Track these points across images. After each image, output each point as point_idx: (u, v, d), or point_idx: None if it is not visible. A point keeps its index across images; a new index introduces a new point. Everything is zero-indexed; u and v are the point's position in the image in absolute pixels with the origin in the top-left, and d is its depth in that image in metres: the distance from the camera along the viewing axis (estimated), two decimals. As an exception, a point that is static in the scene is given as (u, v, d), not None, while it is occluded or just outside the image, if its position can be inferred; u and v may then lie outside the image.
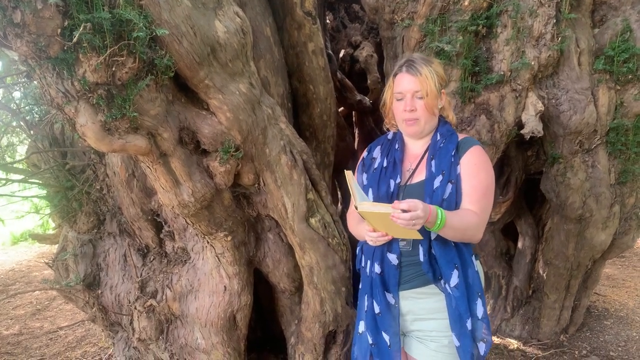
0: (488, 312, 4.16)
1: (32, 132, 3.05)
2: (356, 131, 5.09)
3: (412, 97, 2.09)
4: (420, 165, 2.14)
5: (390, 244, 2.08)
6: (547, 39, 3.05)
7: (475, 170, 2.06)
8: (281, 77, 3.14)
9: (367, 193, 2.18)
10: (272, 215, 2.92)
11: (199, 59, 2.33)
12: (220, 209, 2.73)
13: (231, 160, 2.59)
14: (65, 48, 1.99)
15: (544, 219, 3.93)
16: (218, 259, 2.93)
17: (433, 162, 2.09)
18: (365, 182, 2.23)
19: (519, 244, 4.01)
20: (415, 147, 2.22)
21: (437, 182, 2.04)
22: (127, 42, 2.06)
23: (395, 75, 2.14)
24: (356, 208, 1.86)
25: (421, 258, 2.02)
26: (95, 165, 3.09)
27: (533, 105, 3.11)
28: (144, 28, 2.05)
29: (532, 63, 3.03)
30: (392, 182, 2.13)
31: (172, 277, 3.05)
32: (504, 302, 4.08)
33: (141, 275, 3.08)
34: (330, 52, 4.45)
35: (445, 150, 2.10)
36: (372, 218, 1.92)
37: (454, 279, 1.97)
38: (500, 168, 3.72)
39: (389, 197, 2.10)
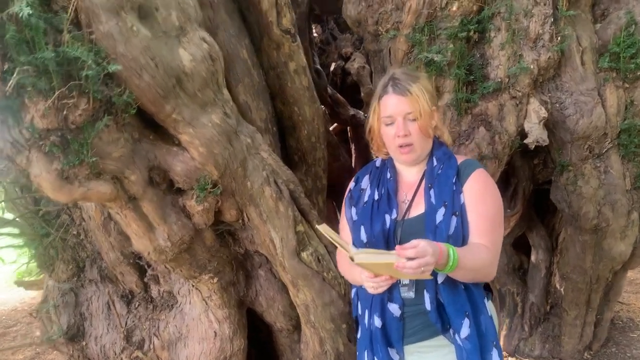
0: (504, 332, 3.91)
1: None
2: (352, 147, 4.86)
3: (403, 120, 1.85)
4: (418, 195, 1.90)
5: (391, 292, 1.84)
6: (546, 40, 2.81)
7: (482, 198, 1.82)
8: (263, 101, 2.93)
9: (359, 231, 1.94)
10: (260, 251, 2.70)
11: (163, 92, 2.12)
12: (202, 250, 2.52)
13: (209, 198, 2.38)
14: (7, 94, 1.79)
15: (557, 229, 3.67)
16: (205, 302, 2.71)
17: (432, 192, 1.85)
18: (355, 218, 1.99)
19: (532, 258, 3.76)
20: (410, 175, 1.98)
21: (439, 216, 1.79)
22: (77, 82, 1.86)
23: (380, 97, 1.91)
24: (352, 260, 1.61)
25: (427, 306, 1.77)
26: (70, 209, 2.89)
27: (535, 112, 2.87)
28: (94, 65, 1.84)
29: (531, 67, 2.79)
30: (387, 218, 1.88)
31: (159, 324, 2.84)
32: (520, 320, 3.82)
33: (126, 324, 2.87)
34: (318, 67, 4.25)
35: (445, 177, 1.86)
36: (372, 267, 1.68)
37: (465, 329, 1.72)
38: (506, 180, 3.48)
39: (385, 235, 1.86)
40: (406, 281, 1.82)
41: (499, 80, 2.81)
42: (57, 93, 1.80)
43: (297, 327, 2.95)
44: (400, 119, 1.84)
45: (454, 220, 1.77)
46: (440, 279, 1.76)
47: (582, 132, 2.96)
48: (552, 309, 3.73)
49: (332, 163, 3.82)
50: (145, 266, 2.88)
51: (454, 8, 2.72)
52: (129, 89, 2.05)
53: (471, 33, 2.76)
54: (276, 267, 2.68)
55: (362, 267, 1.66)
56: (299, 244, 2.60)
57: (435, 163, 1.91)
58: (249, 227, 2.61)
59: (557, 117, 3.00)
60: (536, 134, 2.86)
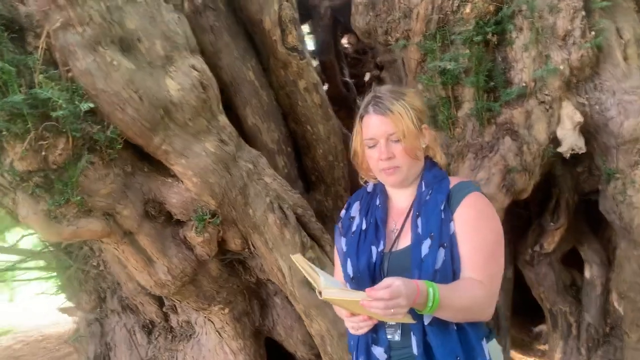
0: (559, 356, 3.56)
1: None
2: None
3: (386, 142, 1.67)
4: (407, 224, 1.71)
5: (376, 332, 1.66)
6: (577, 36, 2.52)
7: (475, 226, 1.60)
8: (274, 122, 2.84)
9: (346, 264, 1.78)
10: (271, 279, 2.59)
11: (149, 124, 2.07)
12: (208, 282, 2.45)
13: (209, 228, 2.30)
14: (-16, 139, 1.80)
15: (613, 241, 3.30)
16: (219, 334, 2.64)
17: (419, 221, 1.66)
18: (344, 249, 1.83)
19: (586, 274, 3.40)
20: (401, 200, 1.79)
21: (425, 248, 1.60)
22: (53, 123, 1.84)
23: (361, 117, 1.74)
24: (319, 294, 1.47)
25: (415, 350, 1.58)
26: (90, 240, 2.92)
27: (569, 117, 2.57)
28: (67, 104, 1.81)
29: (561, 67, 2.51)
30: (373, 250, 1.70)
31: (178, 355, 2.80)
32: (576, 342, 3.46)
33: (147, 354, 2.85)
34: (347, 79, 4.10)
35: (433, 204, 1.66)
36: (343, 305, 1.53)
37: None
38: (547, 190, 3.17)
39: (370, 269, 1.68)
40: (392, 322, 1.64)
41: (524, 84, 2.55)
42: (31, 135, 1.79)
43: (319, 356, 2.81)
44: (382, 140, 1.66)
45: (441, 253, 1.58)
46: (426, 320, 1.56)
47: (629, 135, 2.63)
48: (612, 330, 3.35)
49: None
50: (163, 296, 2.85)
51: (467, 10, 2.50)
52: (113, 124, 2.02)
53: (489, 36, 2.52)
54: (288, 297, 2.56)
55: (333, 303, 1.51)
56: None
57: (423, 188, 1.71)
58: (257, 256, 2.51)
59: (598, 120, 2.68)
60: (571, 141, 2.57)
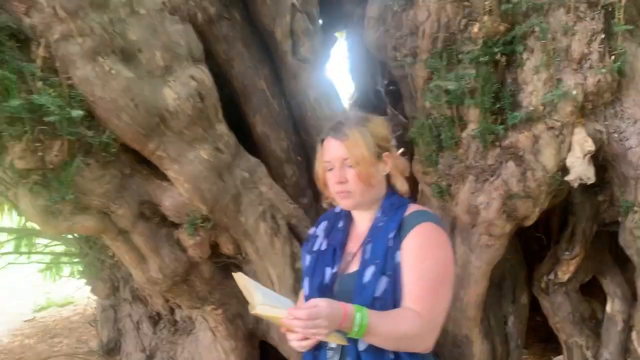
0: (572, 392, 3.39)
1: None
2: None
3: (341, 166, 1.69)
4: (360, 249, 1.73)
5: (319, 352, 1.69)
6: (594, 60, 2.38)
7: (420, 257, 1.60)
8: (284, 130, 2.89)
9: (304, 282, 1.82)
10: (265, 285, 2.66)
11: (144, 130, 2.19)
12: (200, 282, 2.55)
13: (201, 232, 2.41)
14: (-12, 139, 1.98)
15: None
16: (213, 332, 2.74)
17: (368, 247, 1.67)
18: (305, 267, 1.87)
19: (607, 308, 3.20)
20: (362, 224, 1.80)
21: (367, 275, 1.61)
22: (46, 127, 1.99)
23: (322, 140, 1.77)
24: (251, 309, 1.53)
25: None
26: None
27: (580, 145, 2.44)
28: (59, 111, 1.95)
29: (574, 92, 2.39)
30: (327, 271, 1.73)
31: (177, 348, 2.93)
32: (593, 379, 3.29)
33: (150, 344, 3.01)
34: (379, 88, 4.07)
35: (384, 232, 1.67)
36: (275, 321, 1.58)
37: None
38: (564, 218, 3.02)
39: (321, 290, 1.72)
40: (333, 345, 1.66)
41: (532, 108, 2.45)
42: (26, 137, 1.94)
43: (311, 364, 2.85)
44: (337, 164, 1.69)
45: (383, 282, 1.58)
46: (361, 346, 1.57)
47: (650, 166, 2.47)
48: (632, 370, 3.15)
49: None
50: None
51: (475, 30, 2.43)
52: (109, 129, 2.15)
53: (497, 56, 2.44)
54: (278, 303, 2.61)
55: (265, 319, 1.56)
56: (298, 282, 2.51)
57: (379, 215, 1.72)
58: (250, 261, 2.59)
59: (617, 148, 2.53)
60: (579, 170, 2.44)
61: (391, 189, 1.78)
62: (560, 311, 3.33)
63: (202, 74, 2.37)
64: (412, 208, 1.73)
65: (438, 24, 2.47)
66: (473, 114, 2.54)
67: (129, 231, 2.34)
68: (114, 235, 2.33)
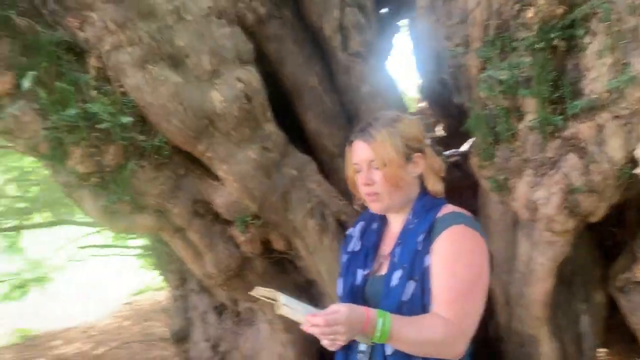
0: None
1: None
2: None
3: (368, 168, 1.68)
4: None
5: (351, 353, 1.69)
6: (668, 40, 2.17)
7: (450, 261, 1.55)
8: (337, 126, 2.88)
9: (338, 283, 1.82)
10: (317, 280, 2.69)
11: (193, 133, 2.28)
12: (254, 277, 2.63)
13: (251, 229, 2.47)
14: (53, 146, 2.15)
15: None
16: (270, 325, 2.82)
17: (397, 251, 1.65)
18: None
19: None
20: (396, 226, 1.77)
21: (395, 279, 1.59)
22: (104, 132, 2.13)
23: (350, 142, 1.75)
24: (275, 309, 1.55)
25: None
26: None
27: (651, 134, 2.24)
28: (108, 118, 2.08)
29: (644, 76, 2.19)
30: (359, 272, 1.73)
31: (239, 338, 3.04)
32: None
33: (215, 334, 3.15)
34: (444, 76, 3.93)
35: (413, 234, 1.63)
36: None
37: None
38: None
39: (352, 292, 1.72)
40: (363, 347, 1.65)
41: (595, 96, 2.26)
42: (83, 143, 2.09)
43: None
44: (365, 166, 1.67)
45: (410, 286, 1.55)
46: (388, 350, 1.56)
47: None
48: None
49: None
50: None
51: (530, 14, 2.27)
52: (160, 133, 2.26)
53: (555, 41, 2.28)
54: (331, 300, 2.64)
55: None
56: (348, 278, 2.52)
57: (410, 217, 1.68)
58: (302, 257, 2.63)
59: (699, 138, 2.29)
60: (649, 162, 2.24)
61: (425, 190, 1.73)
62: (638, 311, 3.08)
63: (249, 75, 2.41)
64: (446, 209, 1.67)
65: (489, 11, 2.35)
66: (530, 104, 2.40)
67: (184, 229, 2.46)
68: (171, 233, 2.46)
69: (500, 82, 2.38)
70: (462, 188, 3.98)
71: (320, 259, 2.50)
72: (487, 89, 2.47)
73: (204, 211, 2.49)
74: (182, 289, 3.37)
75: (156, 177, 2.32)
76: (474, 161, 2.66)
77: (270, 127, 2.50)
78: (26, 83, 1.92)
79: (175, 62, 2.27)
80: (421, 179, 1.72)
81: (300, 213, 2.48)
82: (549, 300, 2.77)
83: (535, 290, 2.74)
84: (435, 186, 1.72)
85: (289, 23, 2.79)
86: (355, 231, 1.91)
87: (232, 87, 2.34)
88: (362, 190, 1.70)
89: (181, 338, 3.36)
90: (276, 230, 2.52)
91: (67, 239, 6.93)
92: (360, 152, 1.68)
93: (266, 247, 2.60)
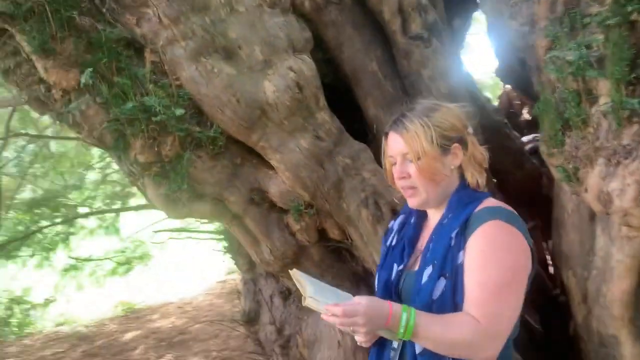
0: None
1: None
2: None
3: (402, 161, 1.61)
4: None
5: (381, 354, 1.65)
6: None
7: (484, 258, 1.45)
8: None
9: (375, 276, 1.79)
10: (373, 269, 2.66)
11: (247, 123, 2.33)
12: (310, 265, 2.65)
13: (305, 218, 2.49)
14: (117, 137, 2.28)
15: None
16: (328, 312, 2.83)
17: (430, 246, 1.58)
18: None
19: None
20: (434, 219, 1.68)
21: (425, 276, 1.53)
22: (161, 124, 2.23)
23: (386, 134, 1.69)
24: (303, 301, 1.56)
25: None
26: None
27: None
28: (162, 110, 2.16)
29: None
30: (394, 267, 1.68)
31: (302, 324, 3.09)
32: None
33: (280, 318, 3.22)
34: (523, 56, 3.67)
35: (447, 230, 1.55)
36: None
37: None
38: None
39: (386, 287, 1.67)
40: (395, 344, 1.61)
41: (679, 75, 2.02)
42: (142, 134, 2.21)
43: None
44: (399, 159, 1.60)
45: (441, 283, 1.47)
46: (418, 349, 1.50)
47: None
48: None
49: (514, 171, 3.32)
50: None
51: (603, -13, 2.07)
52: (215, 124, 2.33)
53: (633, 16, 2.05)
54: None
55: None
56: (404, 269, 2.46)
57: (445, 211, 1.59)
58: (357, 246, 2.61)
59: None
60: None
61: (465, 182, 1.64)
62: None
63: (302, 64, 2.41)
64: (486, 204, 1.56)
65: (555, -14, 2.16)
66: (603, 87, 2.18)
67: (241, 216, 2.52)
68: (229, 220, 2.54)
69: (569, 62, 2.18)
70: (540, 176, 3.75)
71: (375, 249, 2.45)
72: (556, 70, 2.29)
73: (260, 199, 2.53)
74: (251, 272, 3.48)
75: (213, 167, 2.40)
76: (543, 148, 2.48)
77: (324, 116, 2.48)
78: (84, 79, 2.05)
79: (229, 53, 2.32)
80: (461, 170, 1.63)
81: (354, 202, 2.45)
82: (630, 299, 2.54)
83: (614, 288, 2.53)
84: (473, 178, 1.61)
85: (347, 9, 2.74)
86: (395, 224, 1.86)
87: (284, 77, 2.35)
88: (398, 184, 1.64)
89: (251, 319, 3.48)
90: (331, 219, 2.51)
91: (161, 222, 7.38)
92: (394, 145, 1.61)
93: (323, 235, 2.60)
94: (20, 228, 6.16)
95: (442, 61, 2.74)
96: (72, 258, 8.04)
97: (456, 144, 1.58)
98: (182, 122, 2.25)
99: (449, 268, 1.48)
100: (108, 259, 8.39)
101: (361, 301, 1.38)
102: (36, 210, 5.99)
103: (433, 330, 1.39)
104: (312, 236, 2.54)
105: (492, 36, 3.93)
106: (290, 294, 3.29)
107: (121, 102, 2.20)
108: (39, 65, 2.11)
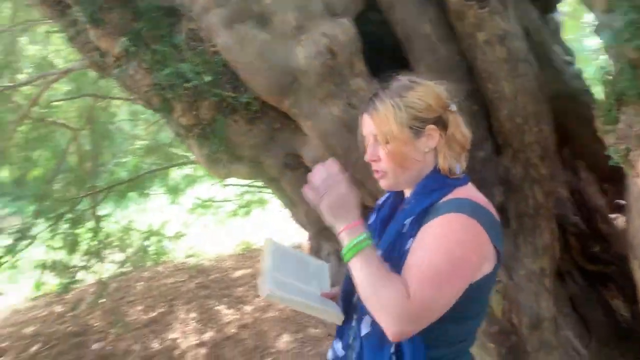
0: None
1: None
2: None
3: (373, 142, 1.56)
4: None
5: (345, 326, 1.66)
6: None
7: (432, 244, 1.33)
8: (455, 78, 2.64)
9: None
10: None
11: (279, 90, 2.37)
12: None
13: (336, 186, 2.50)
14: (162, 100, 2.47)
15: None
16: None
17: (387, 230, 1.55)
18: None
19: None
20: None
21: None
22: (197, 89, 2.36)
23: (362, 113, 1.63)
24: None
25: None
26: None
27: None
28: (192, 77, 2.29)
29: None
30: None
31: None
32: None
33: (337, 277, 3.30)
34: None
35: (402, 216, 1.50)
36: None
37: None
38: None
39: None
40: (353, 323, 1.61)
41: None
42: (180, 99, 2.37)
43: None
44: (371, 139, 1.56)
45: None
46: (363, 330, 1.49)
47: None
48: None
49: (592, 144, 2.95)
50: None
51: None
52: (250, 89, 2.41)
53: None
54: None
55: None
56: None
57: (409, 197, 1.53)
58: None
59: None
60: None
61: (434, 167, 1.54)
62: None
63: (337, 29, 2.36)
64: (455, 194, 1.45)
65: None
66: None
67: (278, 179, 2.61)
68: (267, 181, 2.65)
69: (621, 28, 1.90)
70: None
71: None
72: (609, 37, 2.00)
73: (296, 164, 2.59)
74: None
75: (250, 130, 2.50)
76: (598, 125, 2.20)
77: (359, 82, 2.43)
78: (121, 47, 2.24)
79: (263, 20, 2.35)
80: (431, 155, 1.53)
81: (385, 172, 2.41)
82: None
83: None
84: (445, 162, 1.51)
85: (400, -34, 2.60)
86: (379, 202, 1.83)
87: (317, 43, 2.33)
88: (371, 167, 1.60)
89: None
90: (362, 187, 2.50)
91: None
92: (365, 126, 1.57)
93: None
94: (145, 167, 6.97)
95: (498, 23, 2.51)
96: (198, 198, 8.84)
97: (431, 125, 1.49)
98: (216, 87, 2.37)
99: (396, 254, 1.43)
100: (229, 201, 9.07)
101: (350, 192, 1.48)
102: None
103: (373, 272, 1.33)
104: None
105: None
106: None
107: (162, 68, 2.36)
108: (92, 33, 2.34)
